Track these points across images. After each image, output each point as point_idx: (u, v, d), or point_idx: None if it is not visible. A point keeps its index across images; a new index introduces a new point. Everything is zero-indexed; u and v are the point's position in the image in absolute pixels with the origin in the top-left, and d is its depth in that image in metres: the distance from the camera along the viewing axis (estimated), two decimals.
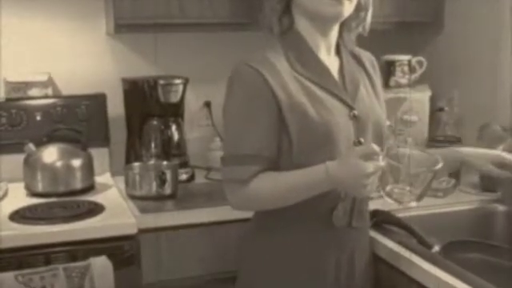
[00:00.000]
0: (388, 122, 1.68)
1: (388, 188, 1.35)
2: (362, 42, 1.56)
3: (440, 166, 1.36)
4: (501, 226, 1.89)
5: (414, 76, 2.40)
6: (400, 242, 1.61)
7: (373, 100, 1.54)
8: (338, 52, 1.53)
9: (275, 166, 1.41)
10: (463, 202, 1.96)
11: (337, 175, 1.31)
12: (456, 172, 2.20)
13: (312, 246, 1.47)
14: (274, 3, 1.45)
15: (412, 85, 2.39)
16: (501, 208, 1.92)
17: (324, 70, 1.46)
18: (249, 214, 1.57)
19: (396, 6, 2.31)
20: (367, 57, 1.60)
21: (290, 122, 1.37)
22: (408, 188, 1.35)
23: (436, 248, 1.59)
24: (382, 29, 2.20)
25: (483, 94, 2.23)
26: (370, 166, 1.27)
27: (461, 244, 1.65)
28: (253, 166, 1.38)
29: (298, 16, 1.46)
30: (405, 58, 2.39)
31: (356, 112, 1.45)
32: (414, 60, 2.40)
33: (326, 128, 1.39)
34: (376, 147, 1.29)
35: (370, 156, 1.28)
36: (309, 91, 1.41)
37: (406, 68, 2.38)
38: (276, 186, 1.39)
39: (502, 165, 1.60)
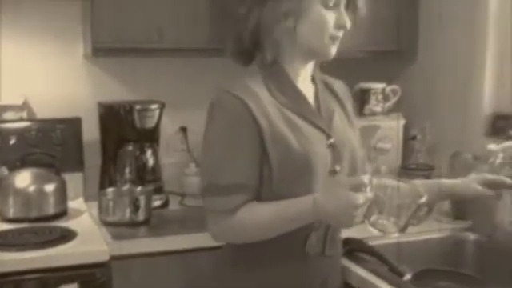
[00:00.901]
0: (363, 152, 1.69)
1: (372, 218, 1.37)
2: (338, 70, 1.58)
3: (424, 199, 1.40)
4: (471, 255, 1.91)
5: (388, 104, 2.43)
6: (372, 271, 1.62)
7: (347, 128, 1.55)
8: (313, 80, 1.55)
9: (258, 195, 1.40)
10: (435, 230, 1.98)
11: (325, 207, 1.31)
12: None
13: (285, 274, 1.47)
14: (279, 35, 1.42)
15: (386, 113, 2.41)
16: (472, 237, 1.94)
17: (302, 98, 1.47)
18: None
19: (370, 35, 2.34)
20: (339, 85, 1.62)
21: (271, 151, 1.38)
22: (392, 219, 1.37)
23: (407, 276, 1.61)
24: (357, 57, 2.25)
25: (455, 123, 2.27)
26: (359, 197, 1.27)
27: (432, 272, 1.66)
28: (239, 195, 1.37)
29: (287, 49, 1.45)
30: (379, 86, 2.42)
31: (332, 140, 1.47)
32: (388, 88, 2.44)
33: (306, 158, 1.40)
34: (365, 178, 1.30)
35: (358, 187, 1.29)
36: (289, 120, 1.42)
37: (380, 96, 2.41)
38: (262, 217, 1.38)
39: (487, 184, 1.61)
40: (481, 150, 2.03)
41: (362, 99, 2.39)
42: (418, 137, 2.34)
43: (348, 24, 1.41)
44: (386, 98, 2.43)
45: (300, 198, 1.35)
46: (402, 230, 1.39)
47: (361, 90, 2.41)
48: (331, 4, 1.39)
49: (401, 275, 1.61)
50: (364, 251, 1.74)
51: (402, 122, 2.39)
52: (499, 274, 1.74)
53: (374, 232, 1.39)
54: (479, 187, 1.60)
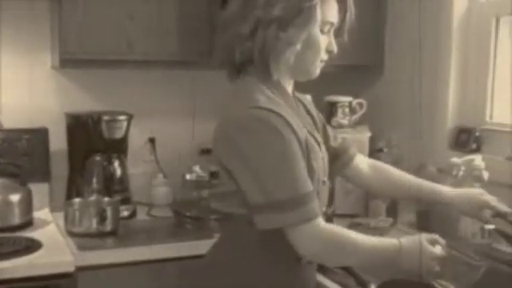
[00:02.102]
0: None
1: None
2: (306, 83, 1.60)
3: (483, 268, 1.49)
4: None
5: (355, 117, 2.47)
6: (338, 282, 1.64)
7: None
8: (293, 96, 1.57)
9: None
10: None
11: (409, 253, 1.37)
12: (393, 210, 2.27)
13: (276, 284, 1.45)
14: (288, 57, 1.43)
15: (352, 126, 2.45)
16: None
17: (300, 112, 1.51)
18: (191, 252, 1.53)
19: (339, 50, 2.36)
20: (306, 99, 1.66)
21: None
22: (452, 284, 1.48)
23: (372, 287, 1.62)
24: (325, 71, 2.28)
25: (420, 136, 2.31)
26: (437, 250, 1.38)
27: (396, 283, 1.68)
28: (314, 202, 1.36)
29: (283, 67, 1.46)
30: (346, 99, 2.46)
31: (322, 153, 1.50)
32: (355, 102, 2.47)
33: (317, 170, 1.43)
34: (441, 239, 1.41)
35: (433, 243, 1.39)
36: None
37: (347, 109, 2.45)
38: (348, 237, 1.39)
39: (490, 208, 1.65)
40: (445, 163, 2.08)
41: (329, 112, 2.43)
42: (385, 149, 2.37)
43: (335, 49, 1.47)
44: (352, 111, 2.47)
45: (386, 239, 1.43)
46: None
47: (328, 102, 2.45)
48: (326, 30, 1.44)
49: (365, 286, 1.62)
50: None
51: (368, 134, 2.42)
52: (463, 285, 1.77)
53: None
54: (485, 216, 1.66)
